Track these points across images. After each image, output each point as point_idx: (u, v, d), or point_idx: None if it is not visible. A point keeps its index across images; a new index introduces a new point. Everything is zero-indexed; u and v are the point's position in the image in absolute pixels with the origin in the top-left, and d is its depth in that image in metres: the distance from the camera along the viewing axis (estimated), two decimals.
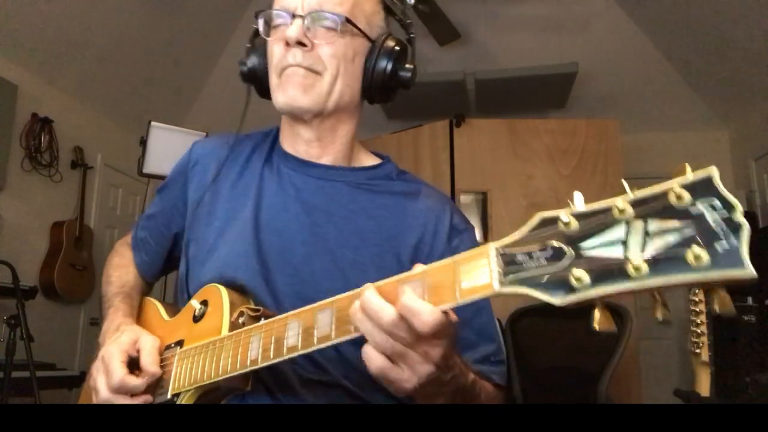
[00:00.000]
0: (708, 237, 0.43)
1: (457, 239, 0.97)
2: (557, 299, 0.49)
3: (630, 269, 0.45)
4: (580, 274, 0.47)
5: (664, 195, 0.46)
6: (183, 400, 0.82)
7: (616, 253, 0.46)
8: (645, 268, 0.44)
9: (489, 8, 4.47)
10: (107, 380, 0.84)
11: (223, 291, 0.88)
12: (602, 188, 3.55)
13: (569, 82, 4.29)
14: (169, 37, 4.40)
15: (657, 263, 0.44)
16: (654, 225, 0.45)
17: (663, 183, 0.46)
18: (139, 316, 1.03)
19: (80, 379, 3.24)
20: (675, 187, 0.45)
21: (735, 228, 0.43)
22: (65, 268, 3.91)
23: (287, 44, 0.91)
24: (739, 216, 0.43)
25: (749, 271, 0.41)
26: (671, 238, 0.44)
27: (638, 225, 0.45)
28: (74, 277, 3.98)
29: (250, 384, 0.82)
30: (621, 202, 0.46)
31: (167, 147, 3.36)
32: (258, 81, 1.00)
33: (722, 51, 4.11)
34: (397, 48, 0.97)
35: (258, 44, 1.00)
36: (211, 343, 0.82)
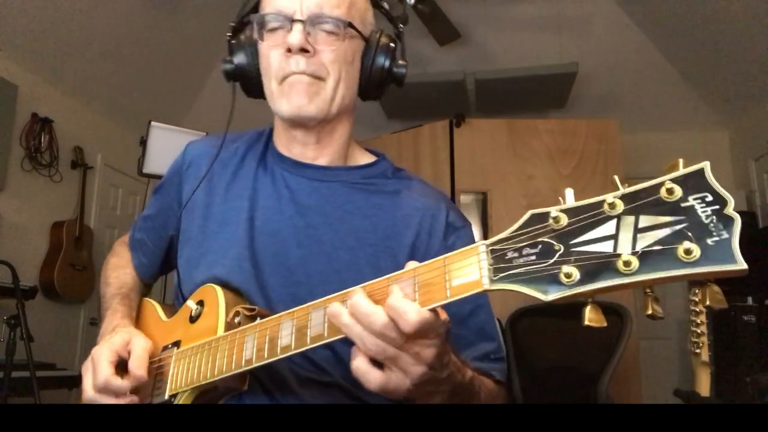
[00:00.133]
0: (699, 231, 0.43)
1: (453, 237, 0.96)
2: (546, 295, 0.49)
3: (620, 265, 0.45)
4: (569, 270, 0.47)
5: (655, 190, 0.46)
6: (180, 401, 0.83)
7: (606, 248, 0.46)
8: (635, 263, 0.44)
9: (489, 8, 4.47)
10: (93, 379, 0.84)
11: (219, 291, 0.88)
12: (602, 188, 3.44)
13: (569, 82, 4.28)
14: (169, 37, 4.41)
15: (648, 258, 0.44)
16: (645, 220, 0.45)
17: (655, 178, 0.46)
18: (137, 317, 1.03)
19: (80, 379, 3.23)
20: (666, 182, 0.45)
21: (726, 222, 0.42)
22: (65, 268, 3.91)
23: (288, 50, 0.89)
24: (731, 210, 0.43)
25: (741, 264, 0.41)
26: (662, 233, 0.44)
27: (629, 220, 0.45)
28: (74, 277, 3.98)
29: (247, 384, 0.82)
30: (611, 198, 0.46)
31: (167, 147, 3.36)
32: (246, 79, 0.98)
33: (722, 51, 4.10)
34: (391, 44, 0.97)
35: (244, 42, 0.97)
36: (206, 344, 0.82)
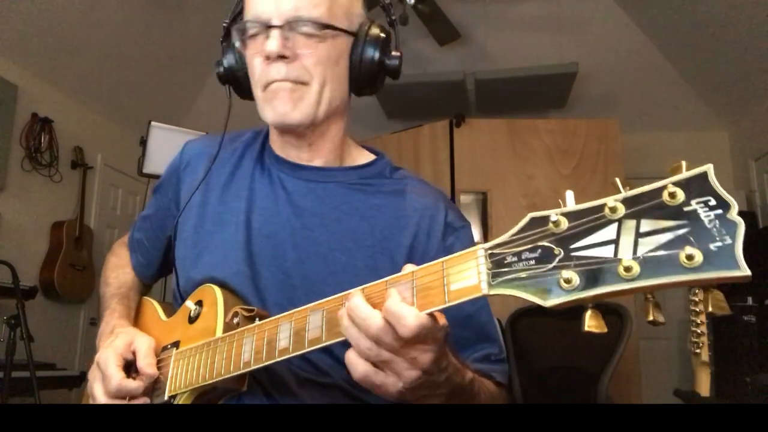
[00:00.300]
0: (702, 236, 0.42)
1: (452, 237, 0.95)
2: (546, 301, 0.48)
3: (621, 270, 0.44)
4: (569, 275, 0.46)
5: (657, 193, 0.45)
6: (180, 402, 0.82)
7: (606, 253, 0.45)
8: (636, 268, 0.43)
9: (489, 8, 4.46)
10: (104, 385, 0.83)
11: (218, 292, 0.88)
12: (602, 188, 3.54)
13: (569, 82, 4.28)
14: (169, 37, 4.40)
15: (649, 264, 0.43)
16: (646, 224, 0.44)
17: (657, 181, 0.45)
18: (137, 317, 1.02)
19: (80, 379, 3.24)
20: (669, 185, 0.44)
21: (730, 227, 0.42)
22: (65, 268, 3.91)
23: (268, 58, 0.87)
24: (734, 214, 0.42)
25: (744, 271, 0.41)
26: (664, 238, 0.43)
27: (630, 224, 0.44)
28: (74, 277, 3.98)
29: (246, 385, 0.82)
30: (612, 201, 0.45)
31: (167, 147, 3.36)
32: (238, 83, 0.96)
33: (722, 51, 4.10)
34: (382, 35, 0.93)
35: (234, 45, 0.95)
36: (205, 345, 0.82)
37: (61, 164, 4.04)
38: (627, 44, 4.48)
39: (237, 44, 0.92)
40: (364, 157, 1.03)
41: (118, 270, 1.10)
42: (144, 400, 0.83)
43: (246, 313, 0.83)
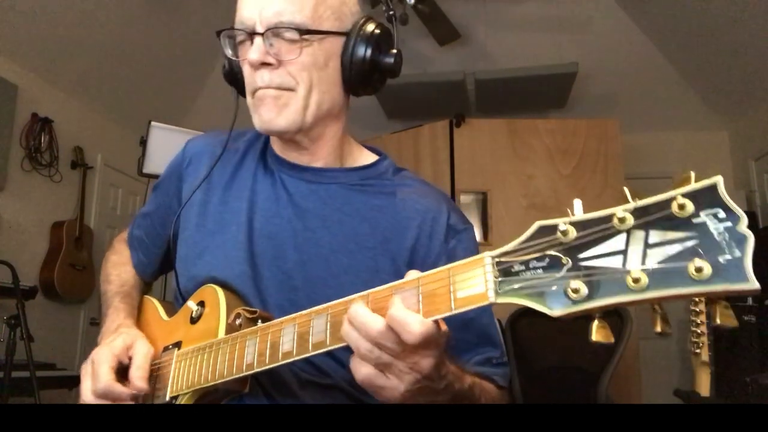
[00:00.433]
0: (711, 248, 0.42)
1: (454, 240, 0.94)
2: (554, 311, 0.48)
3: (629, 281, 0.44)
4: (577, 285, 0.46)
5: (666, 204, 0.45)
6: (181, 403, 0.82)
7: (615, 263, 0.45)
8: (645, 279, 0.43)
9: (489, 8, 4.46)
10: (93, 384, 0.83)
11: (220, 292, 0.87)
12: (602, 188, 3.54)
13: (569, 82, 4.28)
14: (169, 37, 4.39)
15: (657, 275, 0.43)
16: (655, 235, 0.44)
17: (666, 192, 0.45)
18: (138, 316, 1.02)
19: (80, 379, 3.23)
20: (678, 197, 0.44)
21: (739, 239, 0.42)
22: (65, 268, 3.91)
23: (252, 65, 0.86)
24: (744, 227, 0.42)
25: (753, 284, 0.40)
26: (673, 249, 0.43)
27: (639, 235, 0.44)
28: (74, 277, 3.97)
29: (248, 386, 0.82)
30: (621, 212, 0.45)
31: (167, 147, 3.35)
32: (239, 84, 0.96)
33: (722, 51, 4.10)
34: (376, 32, 0.91)
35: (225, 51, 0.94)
36: (207, 346, 0.82)
37: (61, 164, 4.03)
38: (627, 44, 4.48)
39: (229, 52, 0.92)
40: (366, 157, 1.02)
41: (120, 268, 1.10)
42: (131, 402, 0.83)
43: (248, 315, 0.83)
